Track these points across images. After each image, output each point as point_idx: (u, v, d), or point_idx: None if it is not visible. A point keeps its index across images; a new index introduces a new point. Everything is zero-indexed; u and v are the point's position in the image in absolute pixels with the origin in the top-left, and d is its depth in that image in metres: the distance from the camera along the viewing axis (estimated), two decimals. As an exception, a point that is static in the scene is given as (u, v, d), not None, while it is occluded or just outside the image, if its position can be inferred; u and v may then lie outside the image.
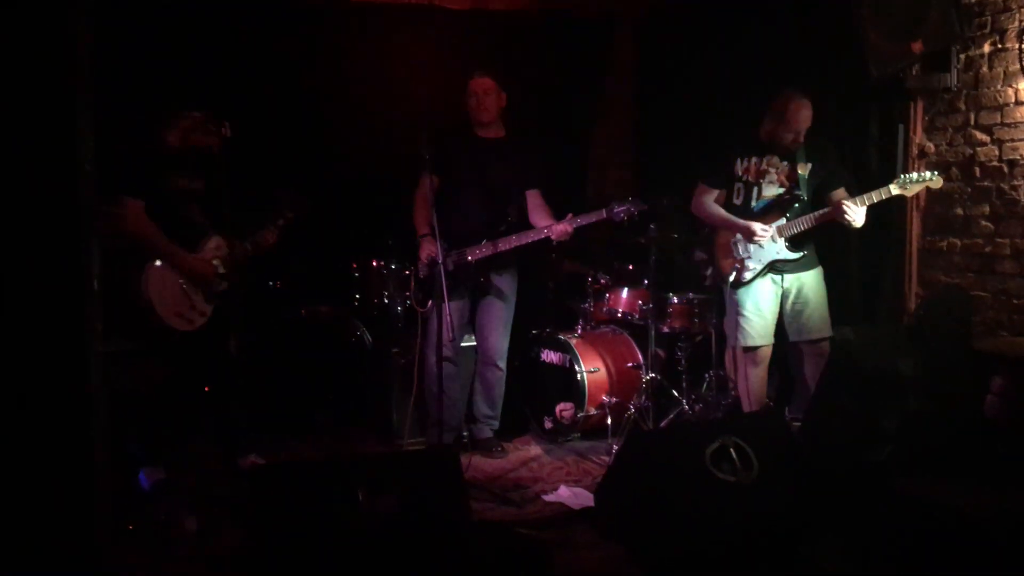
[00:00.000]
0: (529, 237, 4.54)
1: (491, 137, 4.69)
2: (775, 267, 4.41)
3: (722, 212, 4.52)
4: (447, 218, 4.38)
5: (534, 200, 4.71)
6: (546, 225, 4.52)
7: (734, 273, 4.48)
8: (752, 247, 4.40)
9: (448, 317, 4.20)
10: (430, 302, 4.52)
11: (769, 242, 4.37)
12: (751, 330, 4.44)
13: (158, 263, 3.91)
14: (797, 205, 4.36)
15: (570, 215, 4.49)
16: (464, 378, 4.90)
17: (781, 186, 4.42)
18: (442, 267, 4.15)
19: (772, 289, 4.43)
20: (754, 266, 4.41)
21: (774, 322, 4.47)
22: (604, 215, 4.49)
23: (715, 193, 4.57)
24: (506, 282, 4.73)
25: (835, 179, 4.41)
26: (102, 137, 4.19)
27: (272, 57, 5.41)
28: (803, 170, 4.37)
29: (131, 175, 3.92)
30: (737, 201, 4.52)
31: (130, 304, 3.82)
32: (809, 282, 4.42)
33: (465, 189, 4.61)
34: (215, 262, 4.08)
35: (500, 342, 4.77)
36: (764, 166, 4.44)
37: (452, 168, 4.59)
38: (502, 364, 4.81)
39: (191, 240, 4.05)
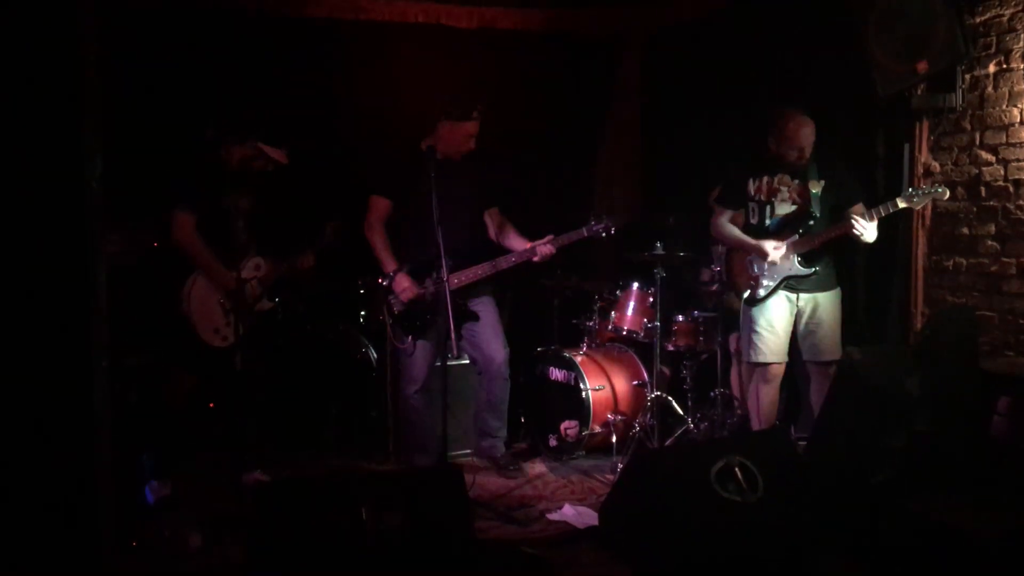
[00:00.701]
0: (517, 259, 4.48)
1: (451, 158, 4.46)
2: (789, 284, 4.41)
3: (736, 233, 4.55)
4: (423, 246, 4.26)
5: (497, 217, 4.66)
6: (530, 247, 4.45)
7: (749, 290, 4.50)
8: (766, 264, 4.42)
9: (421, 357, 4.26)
10: (409, 338, 4.46)
11: (783, 259, 4.38)
12: (763, 346, 4.44)
13: (201, 278, 4.01)
14: (811, 222, 4.37)
15: (551, 236, 4.46)
16: (456, 396, 4.77)
17: (793, 203, 4.43)
18: (447, 285, 4.05)
19: (786, 307, 4.44)
20: (768, 283, 4.43)
21: (787, 340, 4.46)
22: (584, 234, 4.46)
23: (730, 214, 4.60)
24: (483, 303, 4.64)
25: (853, 195, 4.39)
26: (163, 154, 4.41)
27: (277, 74, 5.46)
28: (815, 187, 4.37)
29: (187, 190, 4.10)
30: (753, 221, 4.54)
31: (170, 315, 3.94)
32: (824, 303, 4.42)
33: (439, 214, 4.18)
34: (253, 282, 4.17)
35: (502, 349, 4.65)
36: (776, 185, 4.45)
37: (420, 193, 4.20)
38: (507, 372, 4.70)
39: (233, 258, 4.13)
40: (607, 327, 5.34)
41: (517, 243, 4.57)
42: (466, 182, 4.49)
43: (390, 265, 4.47)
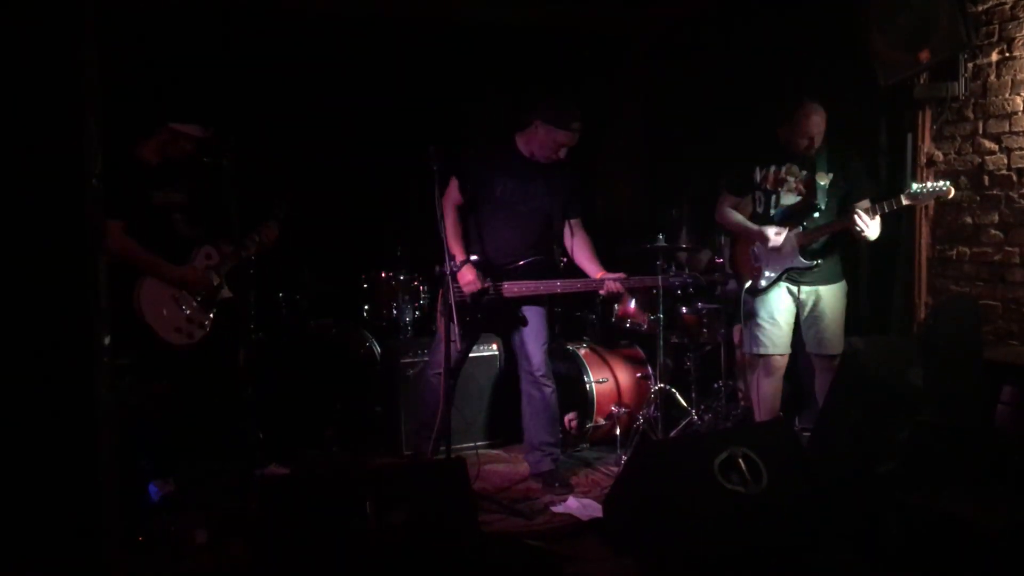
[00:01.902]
0: (582, 287, 4.34)
1: (535, 159, 4.32)
2: (791, 276, 4.39)
3: (739, 219, 4.53)
4: (484, 242, 4.25)
5: (577, 229, 4.47)
6: (599, 278, 4.29)
7: (751, 280, 4.48)
8: (769, 254, 4.40)
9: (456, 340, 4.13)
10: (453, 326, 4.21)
11: (785, 251, 4.36)
12: (763, 338, 4.43)
13: (148, 280, 3.90)
14: (816, 215, 4.33)
15: (623, 274, 4.30)
16: (463, 390, 4.79)
17: (799, 194, 4.40)
18: (448, 287, 3.98)
19: (788, 299, 4.42)
20: (769, 273, 4.41)
21: (790, 332, 4.45)
22: (660, 283, 4.44)
23: (734, 200, 4.58)
24: (533, 310, 4.44)
25: (860, 191, 4.33)
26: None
27: (278, 70, 5.46)
28: (823, 180, 4.33)
29: (108, 196, 3.92)
30: (759, 209, 4.52)
31: (125, 322, 3.80)
32: (826, 296, 4.39)
33: (507, 213, 4.28)
34: (208, 271, 4.08)
35: (540, 354, 4.40)
36: (783, 175, 4.42)
37: (494, 188, 4.26)
38: (549, 380, 4.43)
39: (180, 252, 4.04)
40: (610, 319, 5.34)
41: (588, 265, 4.40)
42: (545, 186, 4.34)
43: (458, 253, 4.25)
